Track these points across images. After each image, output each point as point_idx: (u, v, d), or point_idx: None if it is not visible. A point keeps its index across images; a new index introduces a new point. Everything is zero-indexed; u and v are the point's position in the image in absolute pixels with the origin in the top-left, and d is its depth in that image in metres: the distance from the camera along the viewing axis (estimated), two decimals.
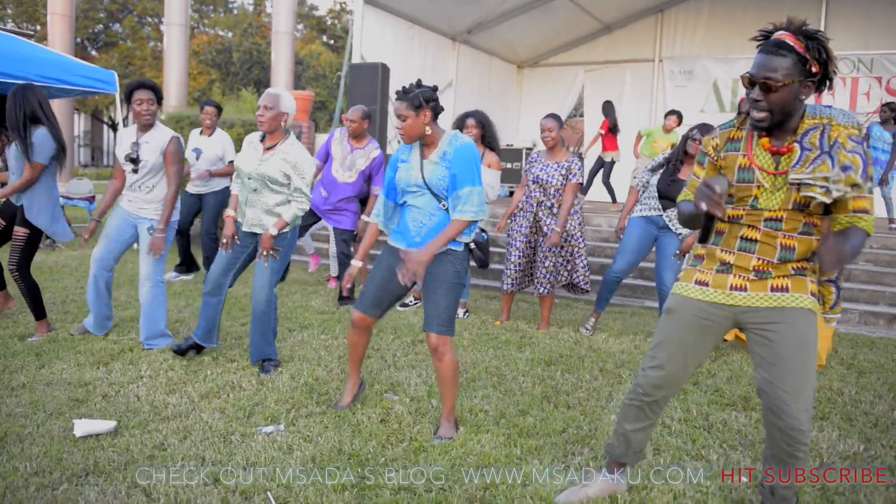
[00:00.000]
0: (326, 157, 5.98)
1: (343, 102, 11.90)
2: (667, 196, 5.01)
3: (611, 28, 13.45)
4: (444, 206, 3.23)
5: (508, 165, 12.70)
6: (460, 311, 5.97)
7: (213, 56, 26.79)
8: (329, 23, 32.44)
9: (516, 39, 13.23)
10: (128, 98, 4.41)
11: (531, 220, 5.51)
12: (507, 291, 5.68)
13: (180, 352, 4.31)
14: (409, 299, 6.16)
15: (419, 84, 3.22)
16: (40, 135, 4.52)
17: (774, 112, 2.21)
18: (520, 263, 5.57)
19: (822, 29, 12.03)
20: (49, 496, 2.60)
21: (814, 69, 2.18)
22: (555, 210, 5.42)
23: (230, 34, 30.40)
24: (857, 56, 11.70)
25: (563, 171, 5.38)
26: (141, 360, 4.27)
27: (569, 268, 5.53)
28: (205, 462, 2.92)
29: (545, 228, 5.43)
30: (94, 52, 30.13)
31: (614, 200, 10.54)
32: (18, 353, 4.33)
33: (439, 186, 3.19)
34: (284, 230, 4.10)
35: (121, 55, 29.25)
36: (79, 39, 26.52)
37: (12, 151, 4.62)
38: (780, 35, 2.22)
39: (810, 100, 2.37)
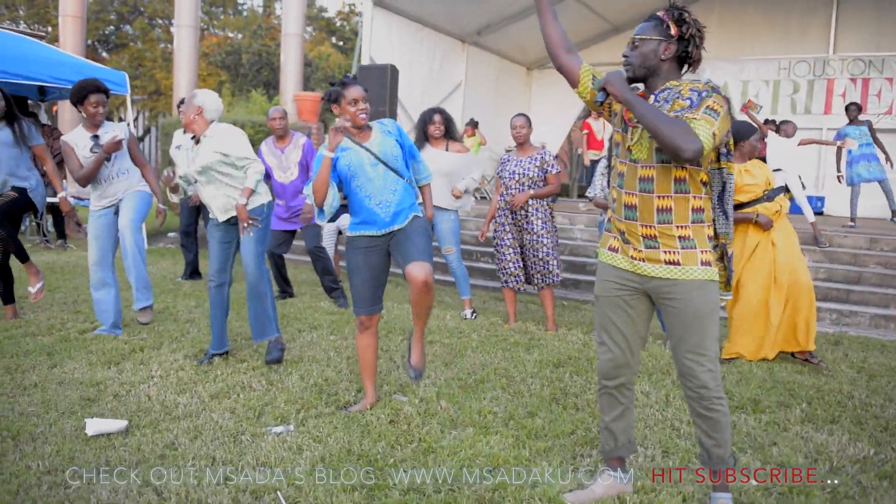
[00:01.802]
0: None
1: None
2: None
3: (619, 29, 13.43)
4: (405, 180, 3.45)
5: None
6: (468, 312, 5.98)
7: (222, 57, 26.86)
8: (338, 25, 32.50)
9: (526, 41, 13.22)
10: (81, 100, 4.59)
11: (511, 218, 5.56)
12: (512, 288, 5.66)
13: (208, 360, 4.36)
14: None
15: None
16: (29, 121, 4.96)
17: (635, 65, 2.51)
18: (516, 259, 5.60)
19: (832, 31, 12.01)
20: (61, 494, 2.62)
21: (672, 31, 2.46)
22: (534, 202, 5.50)
23: (240, 36, 30.50)
24: (868, 57, 11.65)
25: (538, 163, 5.50)
26: (152, 360, 4.29)
27: (554, 263, 5.54)
28: (215, 461, 2.94)
29: (530, 218, 5.49)
30: (104, 54, 30.29)
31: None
32: (31, 352, 4.36)
33: (392, 155, 3.38)
34: (260, 203, 4.24)
35: (131, 57, 29.38)
36: (89, 41, 26.68)
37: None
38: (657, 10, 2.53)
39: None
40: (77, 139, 4.63)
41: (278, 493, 2.68)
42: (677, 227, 2.46)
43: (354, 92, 3.33)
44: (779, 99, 12.34)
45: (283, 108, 6.14)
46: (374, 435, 3.25)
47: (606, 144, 10.24)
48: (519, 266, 5.61)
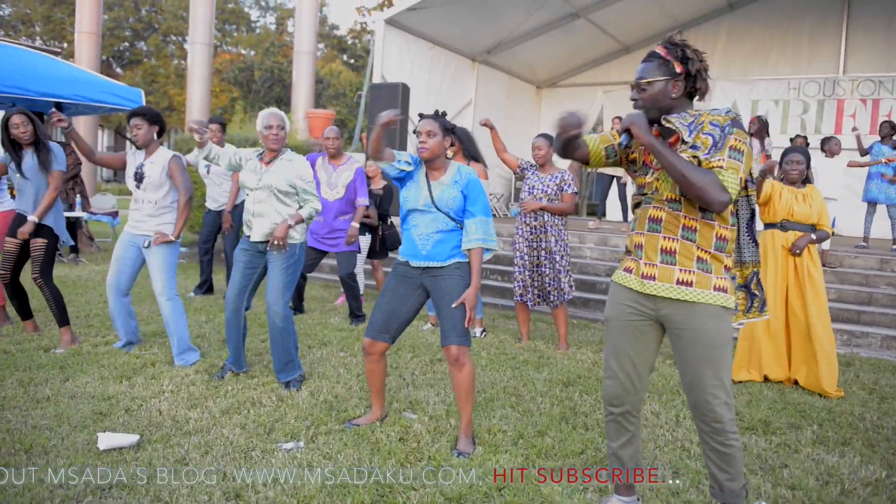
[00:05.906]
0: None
1: (363, 122, 12.02)
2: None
3: (629, 49, 13.51)
4: (459, 225, 3.41)
5: None
6: (477, 330, 5.98)
7: (235, 74, 27.14)
8: (350, 42, 32.81)
9: (536, 60, 13.32)
10: (128, 121, 4.70)
11: (529, 234, 5.56)
12: (526, 303, 5.64)
13: (223, 376, 4.36)
14: (426, 326, 6.16)
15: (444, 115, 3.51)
16: (55, 146, 4.93)
17: (647, 107, 2.47)
18: (531, 274, 5.57)
19: (842, 51, 12.01)
20: None
21: (677, 68, 2.42)
22: (551, 219, 5.50)
23: (252, 53, 30.84)
24: (878, 78, 11.66)
25: (557, 182, 5.50)
26: (163, 375, 4.32)
27: (566, 280, 5.54)
28: (226, 477, 2.95)
29: (547, 234, 5.49)
30: (118, 70, 30.66)
31: (625, 220, 10.53)
32: (44, 365, 4.40)
33: (448, 207, 3.38)
34: (297, 241, 4.24)
35: (145, 73, 29.76)
36: (104, 57, 27.02)
37: (28, 165, 4.86)
38: (654, 47, 2.50)
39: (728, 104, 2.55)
40: (134, 157, 4.71)
41: None
42: (699, 248, 2.43)
43: (422, 125, 3.40)
44: (789, 119, 12.35)
45: (336, 128, 6.24)
46: (383, 453, 3.26)
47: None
48: (534, 285, 5.58)
